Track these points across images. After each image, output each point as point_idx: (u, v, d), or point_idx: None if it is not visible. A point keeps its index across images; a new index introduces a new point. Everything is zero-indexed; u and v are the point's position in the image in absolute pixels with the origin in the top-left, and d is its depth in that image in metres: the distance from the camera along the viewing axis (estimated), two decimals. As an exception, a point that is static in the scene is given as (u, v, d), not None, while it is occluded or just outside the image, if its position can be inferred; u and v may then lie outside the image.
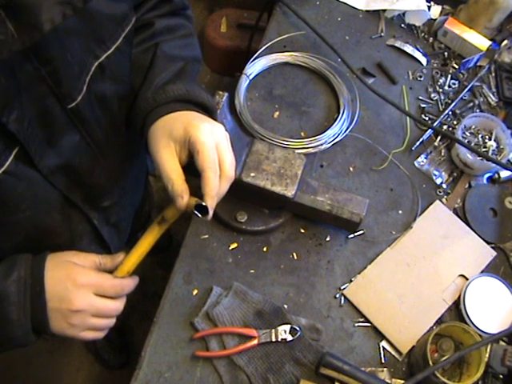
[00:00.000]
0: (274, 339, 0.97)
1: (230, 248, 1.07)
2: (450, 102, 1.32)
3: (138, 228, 1.56)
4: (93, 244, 0.97)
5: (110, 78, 0.77)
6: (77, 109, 0.73)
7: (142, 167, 1.14)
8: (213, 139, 0.72)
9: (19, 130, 0.64)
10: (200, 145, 0.70)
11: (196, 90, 0.82)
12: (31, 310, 0.71)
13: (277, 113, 1.25)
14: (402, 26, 1.44)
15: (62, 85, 0.68)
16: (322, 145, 1.19)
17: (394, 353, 1.02)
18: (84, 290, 0.74)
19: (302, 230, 1.11)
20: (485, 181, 1.23)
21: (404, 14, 1.44)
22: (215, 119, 0.80)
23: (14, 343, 0.73)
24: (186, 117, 0.76)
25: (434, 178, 1.21)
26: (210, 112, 0.83)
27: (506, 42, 1.40)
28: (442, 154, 1.25)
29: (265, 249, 1.08)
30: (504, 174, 1.22)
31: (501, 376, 0.99)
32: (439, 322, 1.05)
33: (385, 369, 1.00)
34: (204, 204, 0.72)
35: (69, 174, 0.78)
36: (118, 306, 0.79)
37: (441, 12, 1.47)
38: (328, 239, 1.11)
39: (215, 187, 0.72)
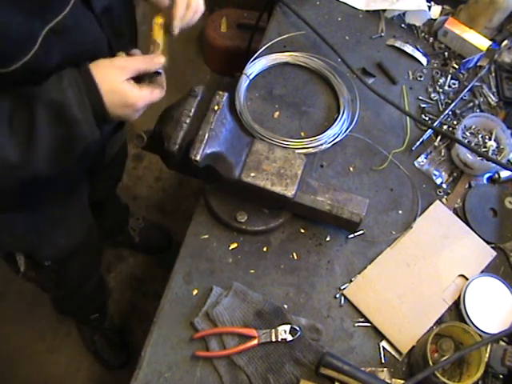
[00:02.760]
0: (274, 339, 0.97)
1: (230, 248, 1.07)
2: (450, 101, 1.32)
3: None
4: None
5: None
6: None
7: None
8: None
9: None
10: None
11: None
12: (90, 105, 0.76)
13: (277, 113, 1.25)
14: (402, 25, 1.44)
15: None
16: (322, 145, 1.19)
17: (394, 353, 1.02)
18: (130, 83, 0.81)
19: (302, 230, 1.11)
20: (485, 181, 1.23)
21: (404, 14, 1.44)
22: None
23: (85, 140, 0.79)
24: None
25: (434, 178, 1.21)
26: None
27: (506, 41, 1.40)
28: (442, 153, 1.25)
29: (265, 249, 1.08)
30: (504, 174, 1.22)
31: (501, 376, 0.99)
32: (439, 321, 1.05)
33: (385, 369, 1.00)
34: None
35: (109, 18, 0.84)
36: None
37: (441, 12, 1.47)
38: (328, 239, 1.11)
39: (182, 11, 0.89)
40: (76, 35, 0.76)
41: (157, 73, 0.87)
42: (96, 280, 1.55)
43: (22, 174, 0.78)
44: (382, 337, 1.03)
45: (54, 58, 0.74)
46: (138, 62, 0.83)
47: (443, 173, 1.22)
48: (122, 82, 0.79)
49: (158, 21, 0.93)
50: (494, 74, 1.38)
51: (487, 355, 0.98)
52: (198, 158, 0.93)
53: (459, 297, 1.06)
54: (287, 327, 0.97)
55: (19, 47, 0.68)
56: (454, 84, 1.35)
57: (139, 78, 0.84)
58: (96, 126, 0.79)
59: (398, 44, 1.38)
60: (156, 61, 0.85)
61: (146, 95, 0.83)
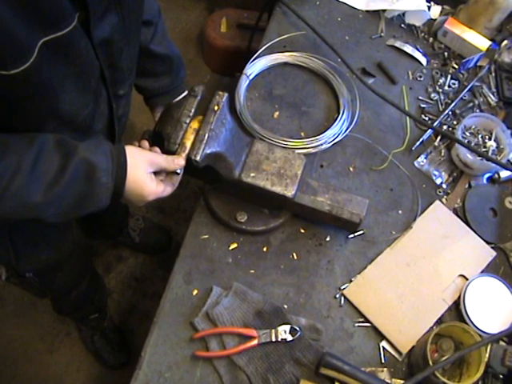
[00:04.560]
0: (274, 339, 0.97)
1: (230, 248, 1.07)
2: (449, 102, 1.32)
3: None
4: (103, 132, 1.00)
5: None
6: None
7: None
8: None
9: None
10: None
11: None
12: (116, 177, 0.85)
13: (277, 113, 1.25)
14: (402, 26, 1.44)
15: None
16: (321, 145, 1.19)
17: (393, 353, 1.02)
18: (152, 176, 0.91)
19: (302, 230, 1.11)
20: (485, 181, 1.23)
21: (404, 14, 1.44)
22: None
23: (97, 203, 0.84)
24: None
25: (434, 178, 1.21)
26: None
27: (505, 41, 1.40)
28: (442, 154, 1.25)
29: (265, 249, 1.08)
30: (504, 174, 1.22)
31: (501, 376, 0.99)
32: (439, 321, 1.05)
33: (385, 369, 1.00)
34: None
35: (107, 49, 0.85)
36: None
37: (441, 12, 1.47)
38: (328, 239, 1.11)
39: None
40: (70, 56, 0.77)
41: (175, 172, 0.94)
42: (84, 287, 1.54)
43: (29, 213, 0.80)
44: (382, 337, 1.03)
45: (47, 72, 0.75)
46: (162, 161, 0.93)
47: (443, 173, 1.22)
48: (145, 173, 0.89)
49: (194, 125, 0.96)
50: (493, 74, 1.39)
51: (487, 355, 0.98)
52: (197, 158, 0.93)
53: (459, 297, 1.06)
54: (287, 327, 0.97)
55: (19, 53, 0.69)
56: (454, 84, 1.35)
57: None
58: (110, 197, 0.85)
59: (397, 44, 1.38)
60: (176, 163, 0.94)
61: (158, 192, 0.92)
